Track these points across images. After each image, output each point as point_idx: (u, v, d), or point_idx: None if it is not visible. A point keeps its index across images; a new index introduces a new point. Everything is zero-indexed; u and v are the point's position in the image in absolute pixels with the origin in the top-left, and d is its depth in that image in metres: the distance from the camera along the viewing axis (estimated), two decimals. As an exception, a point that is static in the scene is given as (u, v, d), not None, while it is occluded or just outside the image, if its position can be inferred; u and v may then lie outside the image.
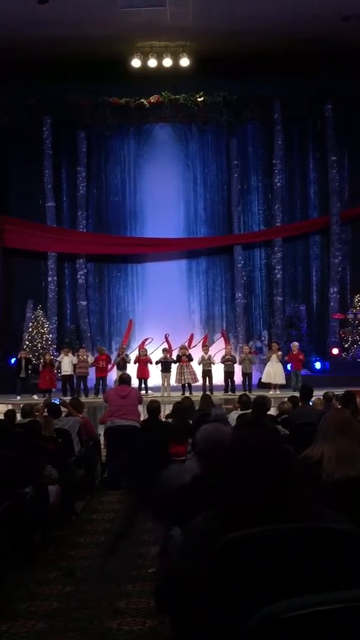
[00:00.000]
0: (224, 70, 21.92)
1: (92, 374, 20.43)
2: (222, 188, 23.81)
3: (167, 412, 11.96)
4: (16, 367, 20.57)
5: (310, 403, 10.44)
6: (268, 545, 2.04)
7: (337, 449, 4.03)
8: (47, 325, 22.23)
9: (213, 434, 3.99)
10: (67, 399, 15.76)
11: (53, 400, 15.55)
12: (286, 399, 11.37)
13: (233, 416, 9.13)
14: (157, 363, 20.33)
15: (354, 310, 22.62)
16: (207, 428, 4.14)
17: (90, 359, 20.53)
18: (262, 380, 20.20)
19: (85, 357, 20.42)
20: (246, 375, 19.96)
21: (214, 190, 23.86)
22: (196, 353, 20.71)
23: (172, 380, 20.12)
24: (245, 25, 19.91)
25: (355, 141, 23.48)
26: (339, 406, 10.08)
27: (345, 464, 3.97)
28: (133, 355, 21.05)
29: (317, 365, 22.28)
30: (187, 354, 20.24)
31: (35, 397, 19.49)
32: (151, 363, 20.33)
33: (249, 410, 9.03)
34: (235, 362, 20.24)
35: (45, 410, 10.61)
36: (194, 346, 21.75)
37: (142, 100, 23.14)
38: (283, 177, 23.49)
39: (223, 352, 20.64)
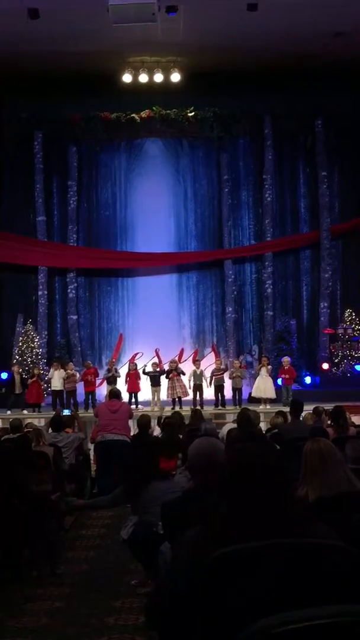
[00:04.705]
0: (214, 85, 22.04)
1: (80, 388, 20.36)
2: (213, 203, 23.85)
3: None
4: (10, 383, 20.40)
5: (301, 418, 10.42)
6: (260, 559, 2.02)
7: (320, 486, 3.97)
8: (37, 340, 22.16)
9: (205, 448, 3.96)
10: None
11: (63, 412, 15.53)
12: (275, 413, 11.36)
13: (224, 430, 9.12)
14: (145, 373, 20.33)
15: (344, 325, 22.65)
16: (200, 442, 4.10)
17: (77, 377, 20.43)
18: (253, 395, 20.19)
19: (72, 371, 20.34)
20: (236, 390, 19.96)
21: (205, 205, 23.90)
22: (186, 368, 20.67)
23: (163, 395, 20.08)
24: (236, 41, 20.02)
25: (345, 156, 23.62)
26: (328, 421, 10.07)
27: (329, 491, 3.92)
28: (123, 370, 21.04)
29: (307, 380, 22.28)
30: (177, 367, 20.21)
31: (25, 412, 19.42)
32: (143, 373, 20.33)
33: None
34: (226, 372, 20.19)
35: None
36: (185, 361, 21.73)
37: (133, 115, 23.20)
38: (273, 192, 23.56)
39: (213, 367, 20.64)
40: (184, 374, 20.07)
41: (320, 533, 2.24)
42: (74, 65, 20.99)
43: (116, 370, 20.76)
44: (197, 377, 19.98)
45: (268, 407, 18.80)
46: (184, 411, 15.26)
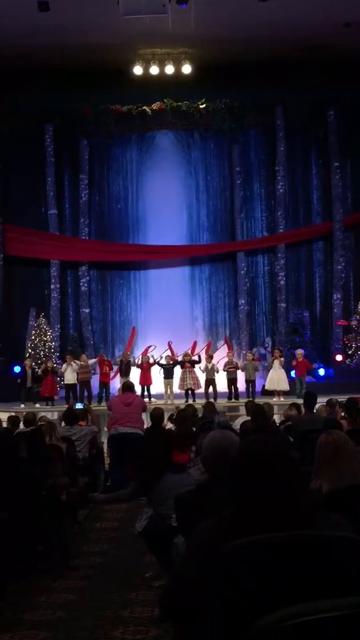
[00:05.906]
0: (225, 77, 21.96)
1: (94, 381, 20.38)
2: (225, 195, 23.82)
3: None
4: (21, 376, 20.50)
5: (314, 410, 10.39)
6: (272, 552, 2.01)
7: (334, 478, 3.96)
8: (50, 333, 22.20)
9: (219, 440, 3.94)
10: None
11: (76, 405, 15.53)
12: (289, 406, 11.34)
13: (238, 423, 9.11)
14: (159, 364, 20.32)
15: (358, 317, 22.59)
16: (214, 435, 4.07)
17: (92, 365, 20.49)
18: (266, 388, 20.16)
19: (85, 362, 20.34)
20: (249, 382, 19.93)
21: (217, 197, 23.87)
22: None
23: (175, 387, 20.08)
24: (247, 32, 19.94)
25: (357, 147, 23.49)
26: (342, 413, 10.04)
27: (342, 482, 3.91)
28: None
29: (321, 371, 22.22)
30: (190, 359, 20.20)
31: (37, 405, 19.46)
32: (158, 364, 20.36)
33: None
34: (238, 368, 20.19)
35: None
36: (197, 354, 21.72)
37: (144, 107, 23.18)
38: (286, 184, 23.49)
39: (226, 359, 20.61)
40: (198, 362, 20.07)
41: (334, 525, 2.22)
42: (85, 57, 20.97)
43: (132, 359, 20.82)
44: (209, 371, 19.96)
45: (282, 399, 18.78)
46: (197, 404, 15.24)
